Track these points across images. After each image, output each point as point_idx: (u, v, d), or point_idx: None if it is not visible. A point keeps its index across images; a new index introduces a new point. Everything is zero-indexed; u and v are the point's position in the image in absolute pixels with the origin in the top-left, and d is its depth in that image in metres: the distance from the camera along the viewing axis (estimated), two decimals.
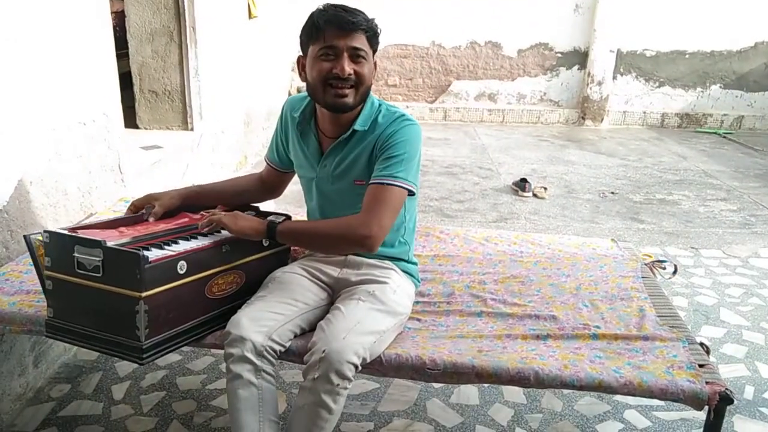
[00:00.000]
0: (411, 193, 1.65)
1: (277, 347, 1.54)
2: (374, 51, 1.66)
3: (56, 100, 2.17)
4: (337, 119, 1.69)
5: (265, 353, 1.51)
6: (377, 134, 1.66)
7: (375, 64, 1.68)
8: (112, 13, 2.65)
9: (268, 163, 1.96)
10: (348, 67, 1.58)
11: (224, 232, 1.65)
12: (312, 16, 1.61)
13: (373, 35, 1.62)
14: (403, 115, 1.68)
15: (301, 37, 1.65)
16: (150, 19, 3.53)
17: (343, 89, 1.60)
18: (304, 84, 1.69)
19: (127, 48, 3.57)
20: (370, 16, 1.63)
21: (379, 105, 1.71)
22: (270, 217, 1.68)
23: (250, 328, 1.50)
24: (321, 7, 1.62)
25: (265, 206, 1.97)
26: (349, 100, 1.61)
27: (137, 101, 3.71)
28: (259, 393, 1.51)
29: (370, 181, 1.62)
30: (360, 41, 1.59)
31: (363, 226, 1.56)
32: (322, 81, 1.60)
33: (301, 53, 1.69)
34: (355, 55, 1.59)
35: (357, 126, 1.67)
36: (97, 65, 2.45)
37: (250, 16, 4.86)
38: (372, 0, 6.88)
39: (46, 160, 2.11)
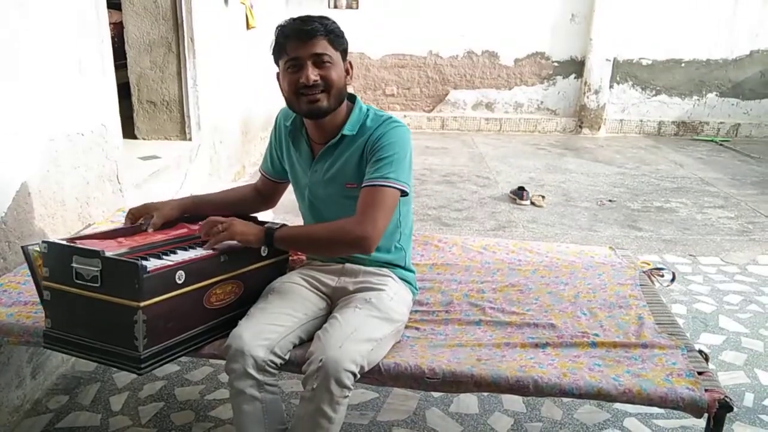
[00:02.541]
0: (404, 193, 1.67)
1: (278, 360, 1.54)
2: (343, 52, 1.67)
3: (54, 111, 2.17)
4: (323, 125, 1.71)
5: (267, 367, 1.51)
6: (366, 137, 1.68)
7: (350, 64, 1.71)
8: (110, 23, 2.66)
9: (262, 174, 1.98)
10: (312, 75, 1.60)
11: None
12: (275, 33, 1.65)
13: (335, 37, 1.64)
14: (390, 117, 1.71)
15: (272, 55, 1.69)
16: (148, 30, 3.55)
17: (314, 95, 1.62)
18: None
19: (126, 58, 3.59)
20: (329, 20, 1.64)
21: (367, 110, 1.75)
22: (267, 224, 1.69)
23: (251, 343, 1.50)
24: (282, 22, 1.66)
25: (263, 216, 1.98)
26: (323, 104, 1.64)
27: (135, 112, 3.72)
28: (263, 406, 1.52)
29: (363, 184, 1.64)
30: (321, 46, 1.61)
31: (358, 228, 1.59)
32: (294, 92, 1.64)
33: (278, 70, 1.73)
34: (320, 61, 1.61)
35: (345, 131, 1.70)
36: (95, 76, 2.46)
37: (248, 26, 4.88)
38: (369, 11, 7.03)
39: (44, 170, 2.11)
